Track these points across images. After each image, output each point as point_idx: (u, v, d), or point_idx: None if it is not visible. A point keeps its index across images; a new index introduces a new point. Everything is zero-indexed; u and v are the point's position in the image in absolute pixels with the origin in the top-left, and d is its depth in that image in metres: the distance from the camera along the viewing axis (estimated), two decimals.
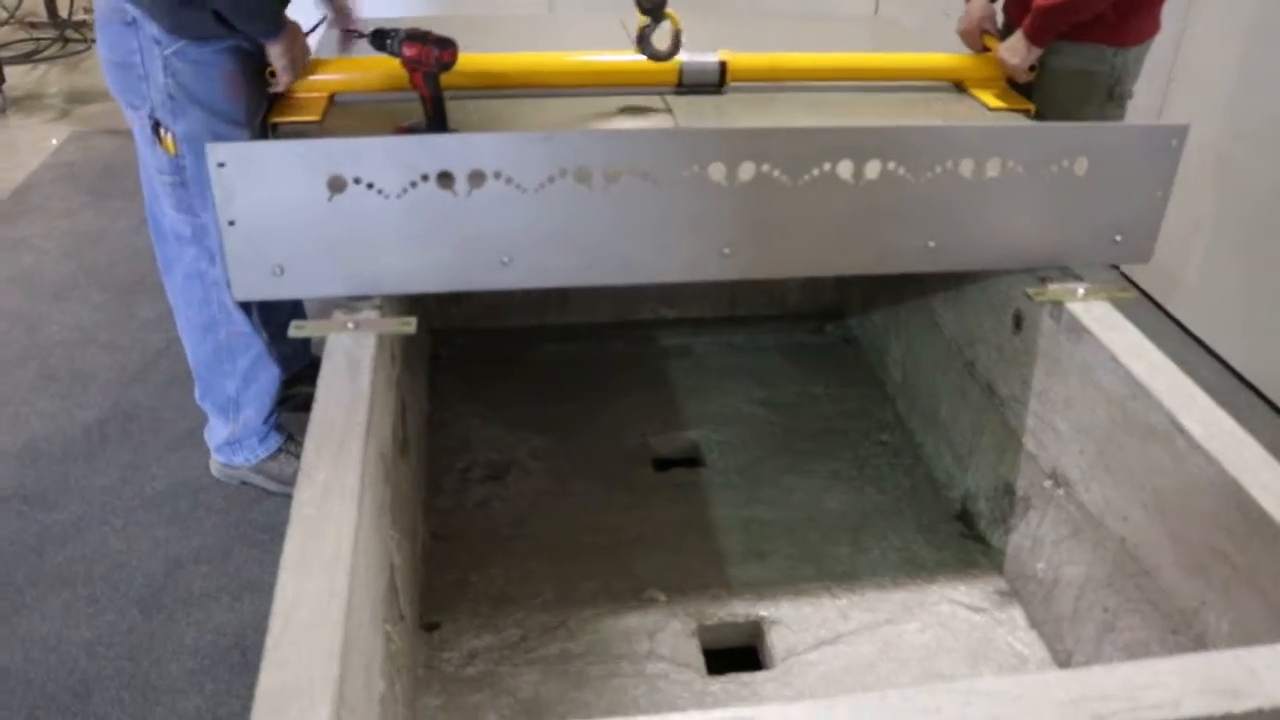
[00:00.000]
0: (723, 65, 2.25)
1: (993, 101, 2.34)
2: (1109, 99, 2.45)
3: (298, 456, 2.45)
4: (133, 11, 2.02)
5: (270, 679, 1.10)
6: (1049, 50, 2.37)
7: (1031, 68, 2.38)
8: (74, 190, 4.12)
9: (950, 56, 2.47)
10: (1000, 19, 2.58)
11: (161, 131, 2.12)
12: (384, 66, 2.11)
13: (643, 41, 2.15)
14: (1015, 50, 2.35)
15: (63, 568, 2.26)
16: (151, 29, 2.03)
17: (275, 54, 2.11)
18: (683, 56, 2.24)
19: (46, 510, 2.42)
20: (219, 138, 2.13)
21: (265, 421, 2.45)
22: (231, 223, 1.68)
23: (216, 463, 2.53)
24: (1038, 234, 1.93)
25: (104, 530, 2.36)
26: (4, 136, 4.80)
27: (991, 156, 1.84)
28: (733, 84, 2.31)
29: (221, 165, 1.63)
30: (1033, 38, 2.31)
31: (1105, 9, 2.31)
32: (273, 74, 2.14)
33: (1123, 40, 2.38)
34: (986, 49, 2.50)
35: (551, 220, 1.73)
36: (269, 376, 2.40)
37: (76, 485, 2.50)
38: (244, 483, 2.52)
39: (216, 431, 2.48)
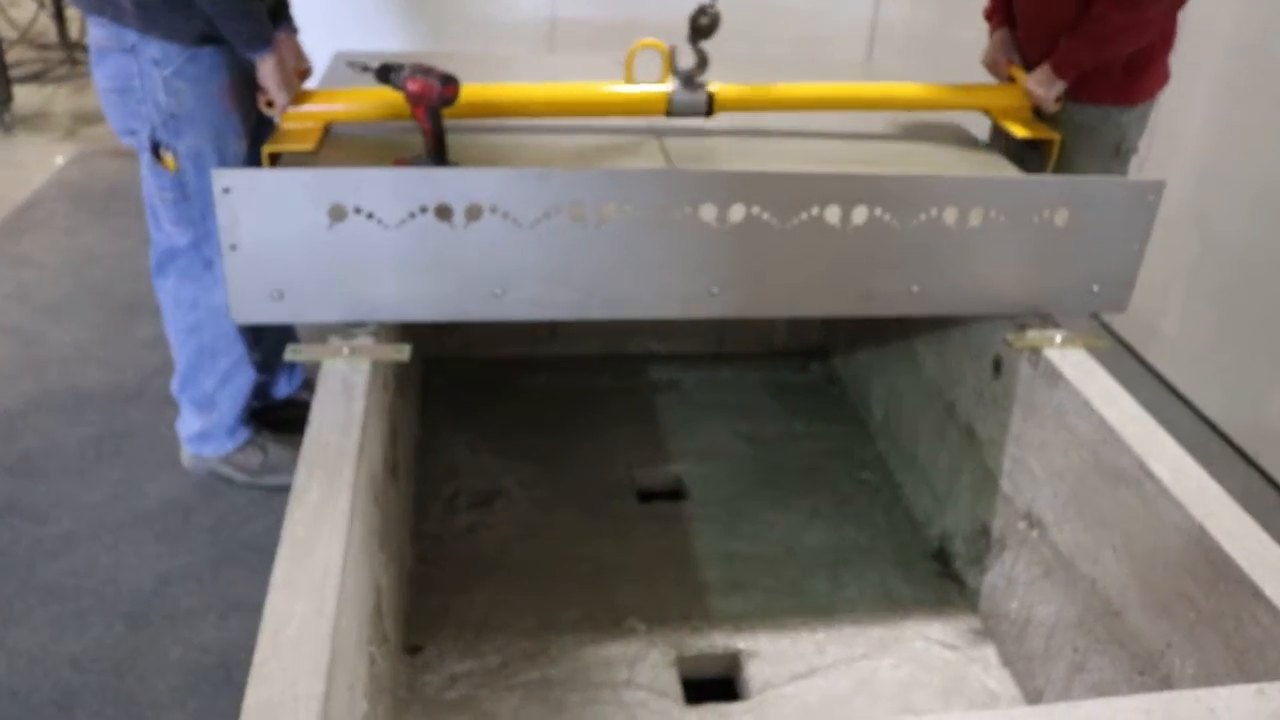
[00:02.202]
0: (710, 96, 2.28)
1: (1021, 131, 2.36)
2: (1114, 155, 2.50)
3: (264, 450, 2.58)
4: (131, 38, 2.09)
5: (256, 694, 1.13)
6: (1072, 109, 2.42)
7: (1058, 99, 2.40)
8: (77, 209, 4.16)
9: (975, 87, 2.48)
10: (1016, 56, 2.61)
11: (163, 151, 2.18)
12: (378, 97, 2.12)
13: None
14: (1042, 81, 2.38)
15: (52, 581, 2.28)
16: (151, 52, 2.10)
17: (266, 72, 2.10)
18: (671, 87, 2.27)
19: (38, 524, 2.44)
20: (220, 151, 2.22)
21: (237, 418, 2.55)
22: (234, 247, 1.73)
23: (187, 453, 2.62)
24: (1018, 282, 1.99)
25: (94, 546, 2.38)
26: (10, 154, 4.84)
27: (974, 206, 1.90)
28: (728, 124, 2.36)
29: (227, 191, 1.68)
30: (1059, 72, 2.36)
31: (1115, 68, 2.38)
32: (269, 103, 2.15)
33: (1130, 99, 2.44)
34: (1011, 79, 2.53)
35: (545, 255, 1.78)
36: (246, 379, 2.50)
37: (69, 500, 2.53)
38: (212, 472, 2.61)
39: (189, 423, 2.57)
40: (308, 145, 2.09)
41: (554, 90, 2.28)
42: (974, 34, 2.71)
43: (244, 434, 2.58)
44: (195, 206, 2.27)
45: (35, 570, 2.31)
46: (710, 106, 2.27)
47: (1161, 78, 2.49)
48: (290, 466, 2.56)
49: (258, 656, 1.17)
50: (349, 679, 1.33)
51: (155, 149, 2.19)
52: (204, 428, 2.55)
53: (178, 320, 2.45)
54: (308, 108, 2.18)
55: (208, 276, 2.36)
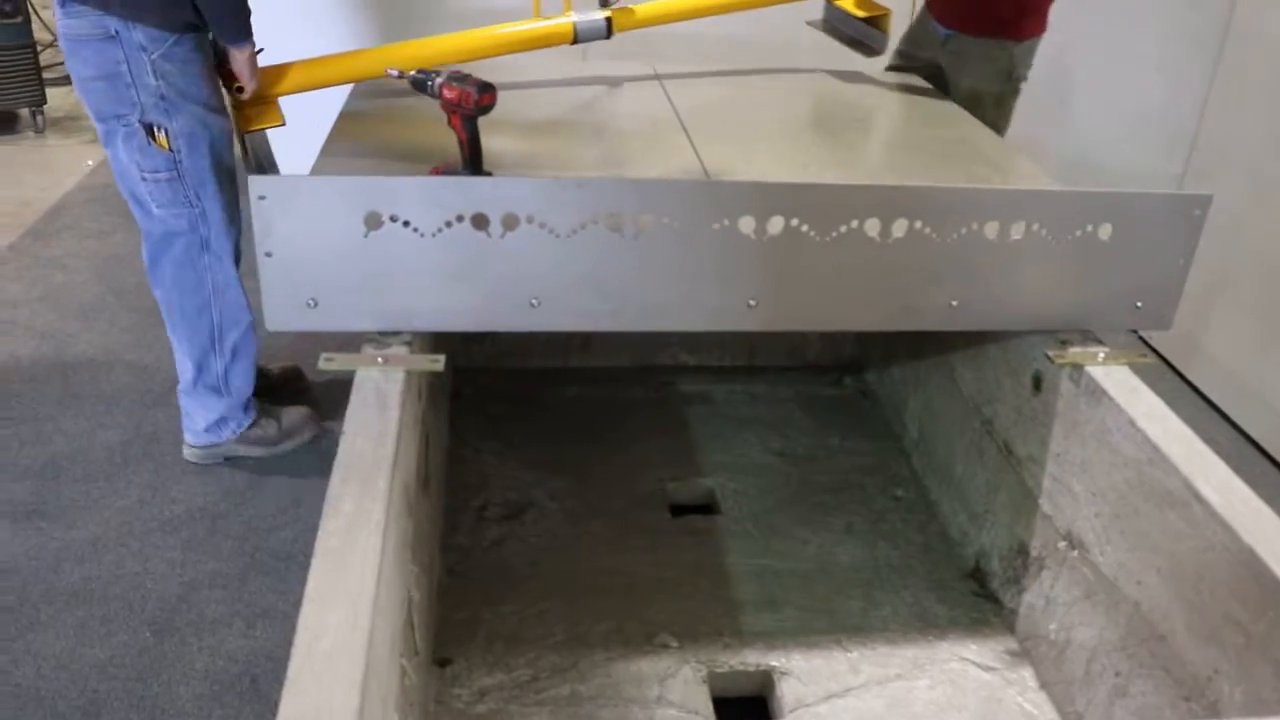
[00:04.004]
0: (609, 20, 2.58)
1: (859, 11, 2.88)
2: (1008, 80, 2.88)
3: (277, 418, 2.67)
4: (114, 25, 2.16)
5: (290, 707, 1.11)
6: (968, 41, 2.86)
7: None
8: (106, 212, 4.18)
9: None
10: None
11: (156, 131, 2.26)
12: (324, 66, 2.40)
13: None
14: None
15: (78, 586, 2.27)
16: (136, 38, 2.17)
17: (241, 59, 2.28)
18: (574, 17, 2.56)
19: (65, 528, 2.44)
20: (207, 126, 2.33)
21: (250, 392, 2.63)
22: (269, 254, 1.71)
23: (198, 447, 2.66)
24: (1060, 297, 1.96)
25: (121, 551, 2.38)
26: (41, 156, 4.88)
27: (1017, 219, 1.87)
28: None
29: (262, 198, 1.67)
30: None
31: (1005, 8, 2.80)
32: (239, 89, 2.31)
33: (1017, 36, 2.83)
34: None
35: (582, 265, 1.77)
36: (251, 349, 2.59)
37: (96, 505, 2.52)
38: (227, 457, 2.66)
39: (204, 414, 2.61)
40: (279, 121, 2.40)
41: (472, 36, 2.53)
42: None
43: (254, 408, 2.65)
44: (189, 185, 2.35)
45: (61, 574, 2.30)
46: (610, 28, 2.60)
47: (1041, 25, 2.87)
48: (304, 425, 2.70)
49: (291, 669, 1.15)
50: (382, 692, 1.31)
51: (150, 131, 2.26)
52: (223, 411, 2.61)
53: (185, 306, 2.49)
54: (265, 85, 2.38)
55: (208, 255, 2.44)
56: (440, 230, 1.71)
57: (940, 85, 2.92)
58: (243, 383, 2.60)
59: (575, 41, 2.58)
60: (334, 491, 1.43)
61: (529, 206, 1.71)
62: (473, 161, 1.95)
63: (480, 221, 1.72)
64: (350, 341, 1.78)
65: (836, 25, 3.04)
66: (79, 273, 3.69)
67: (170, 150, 2.30)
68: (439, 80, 1.95)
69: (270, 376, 2.91)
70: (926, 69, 2.98)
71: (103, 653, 2.11)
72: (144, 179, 2.33)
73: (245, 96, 2.33)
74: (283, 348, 3.05)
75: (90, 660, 2.09)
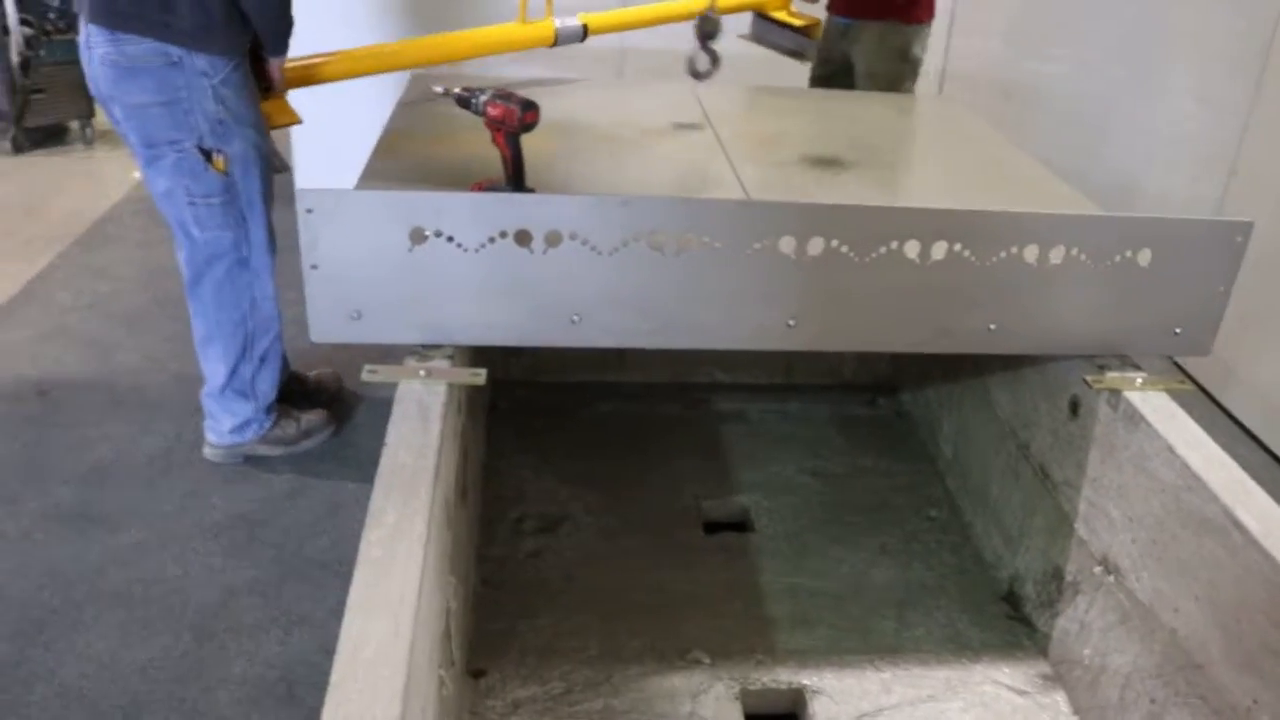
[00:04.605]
0: (584, 26, 2.84)
1: (794, 20, 3.16)
2: (904, 60, 3.24)
3: (296, 419, 2.75)
4: (176, 52, 2.22)
5: (333, 715, 1.13)
6: (865, 25, 3.23)
7: None
8: (153, 223, 4.23)
9: None
10: None
11: (215, 156, 2.33)
12: (325, 64, 2.59)
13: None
14: None
15: (121, 589, 2.31)
16: (198, 64, 2.24)
17: (276, 66, 2.46)
18: (555, 22, 2.80)
19: (109, 532, 2.48)
20: (255, 147, 2.42)
21: (275, 395, 2.72)
22: (314, 267, 1.74)
23: (220, 447, 2.73)
24: (1098, 322, 1.95)
25: (163, 555, 2.42)
26: (90, 168, 4.98)
27: (1056, 244, 1.87)
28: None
29: (309, 211, 1.70)
30: None
31: None
32: (266, 89, 2.46)
33: (907, 19, 3.22)
34: None
35: (623, 282, 1.79)
36: (278, 355, 2.68)
37: (138, 510, 2.57)
38: (248, 457, 2.74)
39: (230, 418, 2.69)
40: (297, 119, 2.58)
41: (462, 37, 2.75)
42: None
43: (275, 408, 2.73)
44: (238, 207, 2.44)
45: (105, 577, 2.34)
46: (585, 33, 2.83)
47: (930, 12, 3.26)
48: (322, 425, 2.79)
49: (335, 676, 1.17)
50: (421, 702, 1.33)
51: (207, 156, 2.33)
52: (248, 415, 2.68)
53: (224, 321, 2.57)
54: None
55: (247, 272, 2.52)
56: (484, 246, 1.74)
57: (851, 77, 3.25)
58: (268, 387, 2.68)
59: (555, 44, 2.80)
60: (377, 503, 1.45)
61: (572, 224, 1.74)
62: (516, 178, 1.98)
63: (523, 238, 1.74)
64: (391, 353, 1.81)
65: (769, 37, 3.27)
66: (125, 282, 3.76)
67: (226, 174, 2.36)
68: (484, 98, 1.98)
69: (306, 383, 2.95)
70: (842, 65, 3.30)
71: (144, 655, 2.15)
72: (192, 203, 2.39)
73: (276, 92, 2.51)
74: (320, 358, 3.09)
75: (131, 662, 2.13)
